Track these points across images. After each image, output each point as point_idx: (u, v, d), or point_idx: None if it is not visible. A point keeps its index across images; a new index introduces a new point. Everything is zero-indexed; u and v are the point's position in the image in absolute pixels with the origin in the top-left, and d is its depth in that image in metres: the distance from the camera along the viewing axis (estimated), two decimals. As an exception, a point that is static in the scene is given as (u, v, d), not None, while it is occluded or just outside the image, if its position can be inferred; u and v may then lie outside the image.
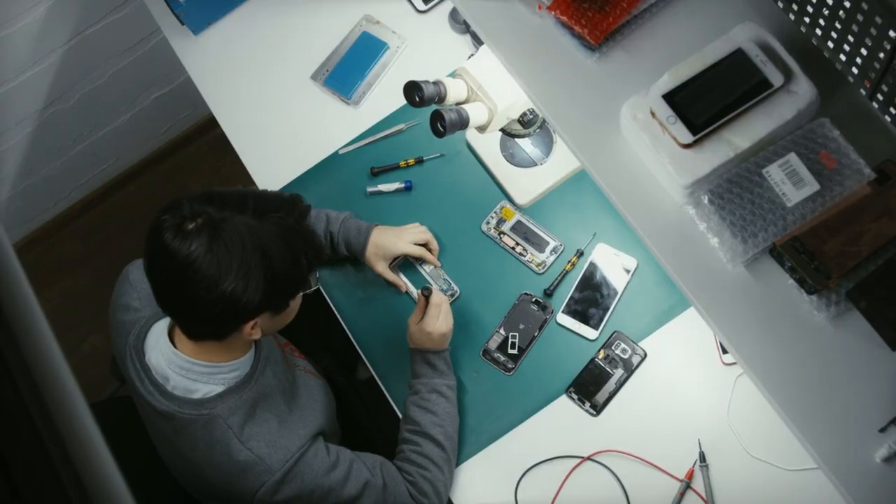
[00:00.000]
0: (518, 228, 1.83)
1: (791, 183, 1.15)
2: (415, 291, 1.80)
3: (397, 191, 1.90)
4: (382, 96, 1.99)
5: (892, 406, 1.09)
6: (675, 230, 1.20)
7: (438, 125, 1.52)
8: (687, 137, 1.15)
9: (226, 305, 1.26)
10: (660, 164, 1.17)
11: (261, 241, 1.26)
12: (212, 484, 1.45)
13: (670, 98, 1.16)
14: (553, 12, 1.29)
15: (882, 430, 1.09)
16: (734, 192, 1.16)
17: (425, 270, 1.83)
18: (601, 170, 1.24)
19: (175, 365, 1.40)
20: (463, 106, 1.57)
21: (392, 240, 1.77)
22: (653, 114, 1.17)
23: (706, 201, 1.17)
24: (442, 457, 1.60)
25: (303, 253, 1.32)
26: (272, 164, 1.98)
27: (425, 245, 1.80)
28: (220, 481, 1.43)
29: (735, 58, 1.17)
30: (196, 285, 1.24)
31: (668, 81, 1.17)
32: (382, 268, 1.78)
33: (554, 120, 1.28)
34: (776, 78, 1.15)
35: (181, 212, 1.26)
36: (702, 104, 1.15)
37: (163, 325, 1.45)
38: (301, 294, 1.40)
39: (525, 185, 1.84)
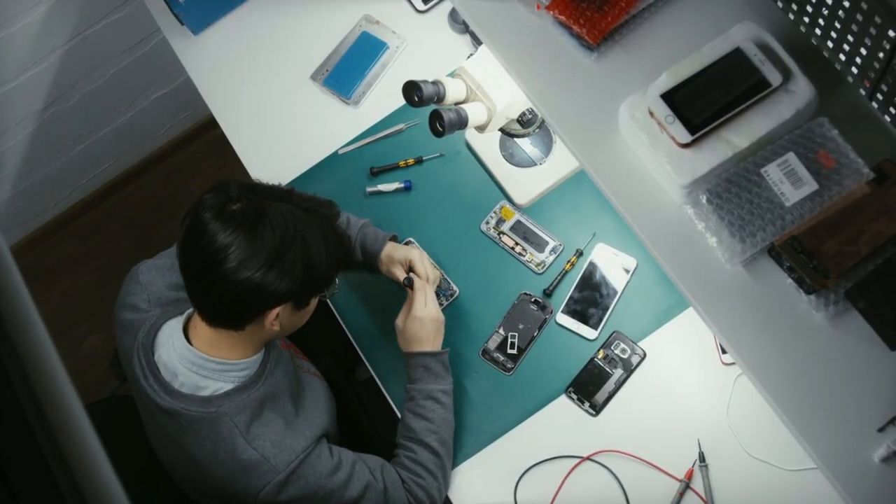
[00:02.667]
0: (517, 228, 1.83)
1: (789, 182, 1.15)
2: None
3: (397, 191, 1.90)
4: (382, 96, 1.99)
5: (890, 406, 1.09)
6: (674, 230, 1.20)
7: (437, 125, 1.52)
8: (685, 137, 1.14)
9: (255, 288, 1.28)
10: (658, 164, 1.17)
11: (302, 228, 1.30)
12: (215, 483, 1.45)
13: (669, 97, 1.16)
14: (552, 12, 1.29)
15: (880, 430, 1.08)
16: (732, 192, 1.16)
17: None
18: (599, 169, 1.24)
19: (187, 360, 1.41)
20: (462, 106, 1.57)
21: (403, 249, 1.77)
22: (651, 113, 1.17)
23: (704, 201, 1.16)
24: (436, 463, 1.60)
25: (336, 250, 1.36)
26: (272, 164, 1.98)
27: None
28: (223, 480, 1.43)
29: (733, 57, 1.17)
30: (229, 266, 1.26)
31: (666, 81, 1.17)
32: (398, 270, 1.78)
33: (552, 119, 1.28)
34: (775, 77, 1.15)
35: (227, 192, 1.29)
36: (700, 103, 1.15)
37: (176, 322, 1.45)
38: (319, 296, 1.43)
39: (524, 184, 1.84)
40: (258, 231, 1.26)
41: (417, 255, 1.75)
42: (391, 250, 1.76)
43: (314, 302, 1.43)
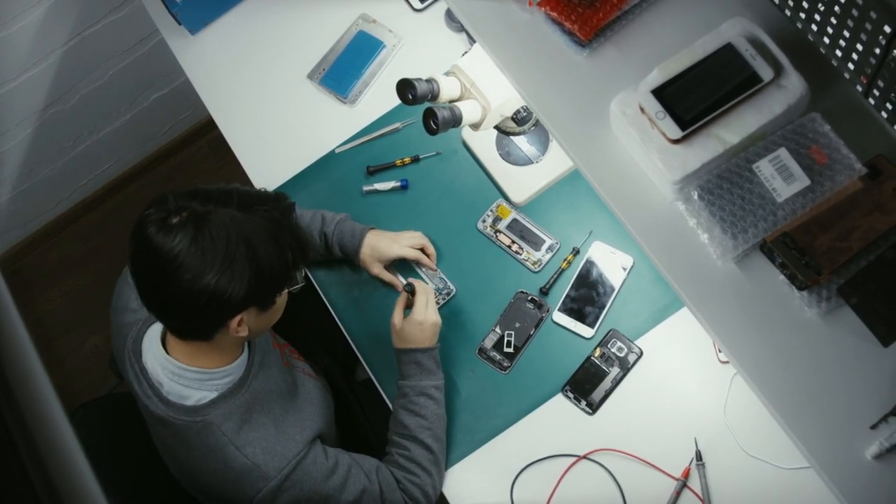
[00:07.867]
0: (514, 226, 1.82)
1: (781, 178, 1.14)
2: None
3: (393, 189, 1.90)
4: (378, 95, 1.99)
5: (883, 403, 1.08)
6: (666, 226, 1.19)
7: (431, 122, 1.52)
8: (676, 133, 1.14)
9: (210, 298, 1.25)
10: (649, 160, 1.17)
11: (246, 232, 1.26)
12: (209, 488, 1.45)
13: (659, 93, 1.15)
14: (543, 8, 1.28)
15: (873, 427, 1.08)
16: (724, 188, 1.15)
17: (422, 271, 1.82)
18: (591, 166, 1.23)
19: (168, 371, 1.40)
20: (456, 103, 1.57)
21: (387, 243, 1.76)
22: (642, 109, 1.17)
23: (696, 197, 1.16)
24: (430, 459, 1.60)
25: (288, 247, 1.32)
26: (269, 164, 1.98)
27: (422, 249, 1.79)
28: (216, 486, 1.43)
29: (725, 53, 1.16)
30: (180, 278, 1.23)
31: (657, 77, 1.16)
32: (378, 269, 1.78)
33: (544, 116, 1.27)
34: (766, 72, 1.14)
35: (166, 206, 1.26)
36: (691, 99, 1.14)
37: (157, 329, 1.45)
38: (287, 291, 1.39)
39: (521, 183, 1.83)
40: (201, 242, 1.23)
41: (402, 251, 1.76)
42: (371, 250, 1.76)
43: (281, 299, 1.39)
